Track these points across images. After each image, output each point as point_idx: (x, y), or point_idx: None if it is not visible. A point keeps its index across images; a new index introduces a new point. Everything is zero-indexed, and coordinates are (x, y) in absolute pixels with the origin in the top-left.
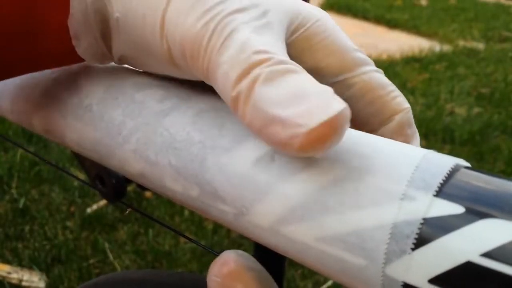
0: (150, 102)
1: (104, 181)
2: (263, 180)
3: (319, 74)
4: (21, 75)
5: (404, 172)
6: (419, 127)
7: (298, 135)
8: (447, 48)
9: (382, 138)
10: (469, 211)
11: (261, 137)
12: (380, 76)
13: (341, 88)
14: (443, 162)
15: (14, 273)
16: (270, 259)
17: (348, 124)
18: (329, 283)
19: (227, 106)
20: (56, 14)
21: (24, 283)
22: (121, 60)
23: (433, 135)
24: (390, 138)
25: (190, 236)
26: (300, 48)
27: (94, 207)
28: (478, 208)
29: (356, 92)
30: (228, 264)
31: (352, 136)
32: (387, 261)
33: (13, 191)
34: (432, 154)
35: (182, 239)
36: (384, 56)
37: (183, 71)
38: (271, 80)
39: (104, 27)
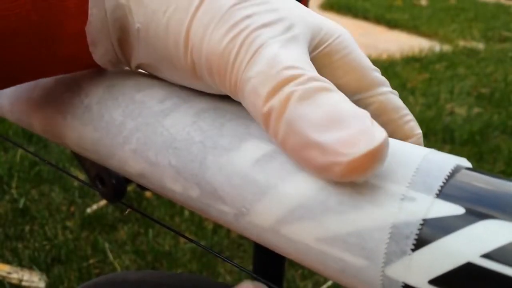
0: (151, 102)
1: (104, 181)
2: (263, 180)
3: None
4: (36, 79)
5: (404, 173)
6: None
7: (339, 164)
8: (447, 48)
9: None
10: (469, 212)
11: (295, 158)
12: (395, 99)
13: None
14: (444, 163)
15: (14, 273)
16: (270, 259)
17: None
18: (329, 283)
19: (227, 106)
20: (73, 20)
21: (24, 283)
22: (139, 67)
23: (433, 135)
24: None
25: (190, 236)
26: (321, 64)
27: (94, 207)
28: (478, 209)
29: (371, 112)
30: None
31: None
32: (387, 261)
33: (13, 191)
34: (432, 154)
35: (182, 239)
36: (384, 56)
37: (207, 85)
38: (306, 98)
39: (123, 35)
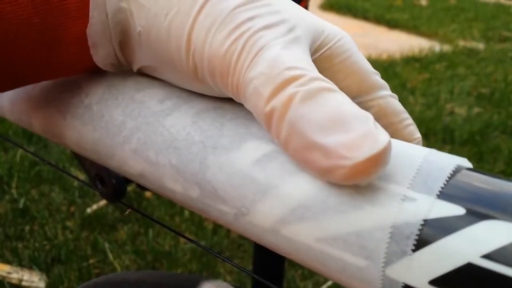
0: (151, 102)
1: (104, 181)
2: (264, 180)
3: None
4: (37, 82)
5: (405, 174)
6: (419, 127)
7: (342, 167)
8: (447, 48)
9: None
10: (470, 212)
11: (297, 159)
12: (395, 102)
13: None
14: (444, 163)
15: (14, 273)
16: (270, 259)
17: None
18: (329, 283)
19: (227, 106)
20: (74, 23)
21: (24, 283)
22: (141, 70)
23: (433, 135)
24: None
25: (190, 236)
26: (322, 67)
27: (94, 207)
28: (479, 209)
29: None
30: None
31: None
32: (388, 261)
33: (13, 191)
34: (433, 155)
35: (182, 240)
36: (384, 56)
37: (209, 88)
38: (308, 99)
39: (124, 39)
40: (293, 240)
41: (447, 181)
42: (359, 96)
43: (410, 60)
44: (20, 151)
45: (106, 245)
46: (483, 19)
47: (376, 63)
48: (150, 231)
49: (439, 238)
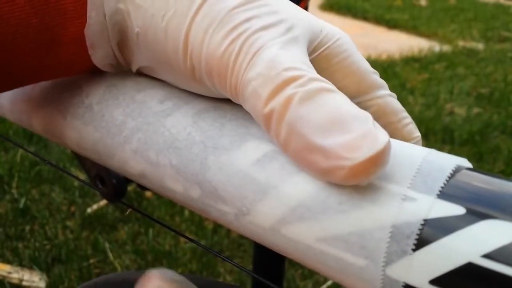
0: (151, 102)
1: (104, 181)
2: (264, 180)
3: None
4: (36, 82)
5: (405, 174)
6: (418, 127)
7: (342, 168)
8: (446, 48)
9: None
10: (470, 212)
11: (297, 160)
12: (394, 101)
13: None
14: (444, 163)
15: (14, 273)
16: (270, 259)
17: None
18: (329, 283)
19: (227, 106)
20: (72, 23)
21: (24, 283)
22: (139, 71)
23: (433, 135)
24: None
25: (190, 236)
26: (320, 67)
27: (94, 207)
28: (479, 209)
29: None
30: (153, 281)
31: None
32: (388, 261)
33: (14, 191)
34: (433, 155)
35: (182, 239)
36: (384, 56)
37: (206, 88)
38: (307, 100)
39: (122, 39)
40: (293, 240)
41: (447, 181)
42: (358, 95)
43: (410, 60)
44: (20, 151)
45: (107, 245)
46: (483, 19)
47: (375, 63)
48: (150, 231)
49: (439, 237)
